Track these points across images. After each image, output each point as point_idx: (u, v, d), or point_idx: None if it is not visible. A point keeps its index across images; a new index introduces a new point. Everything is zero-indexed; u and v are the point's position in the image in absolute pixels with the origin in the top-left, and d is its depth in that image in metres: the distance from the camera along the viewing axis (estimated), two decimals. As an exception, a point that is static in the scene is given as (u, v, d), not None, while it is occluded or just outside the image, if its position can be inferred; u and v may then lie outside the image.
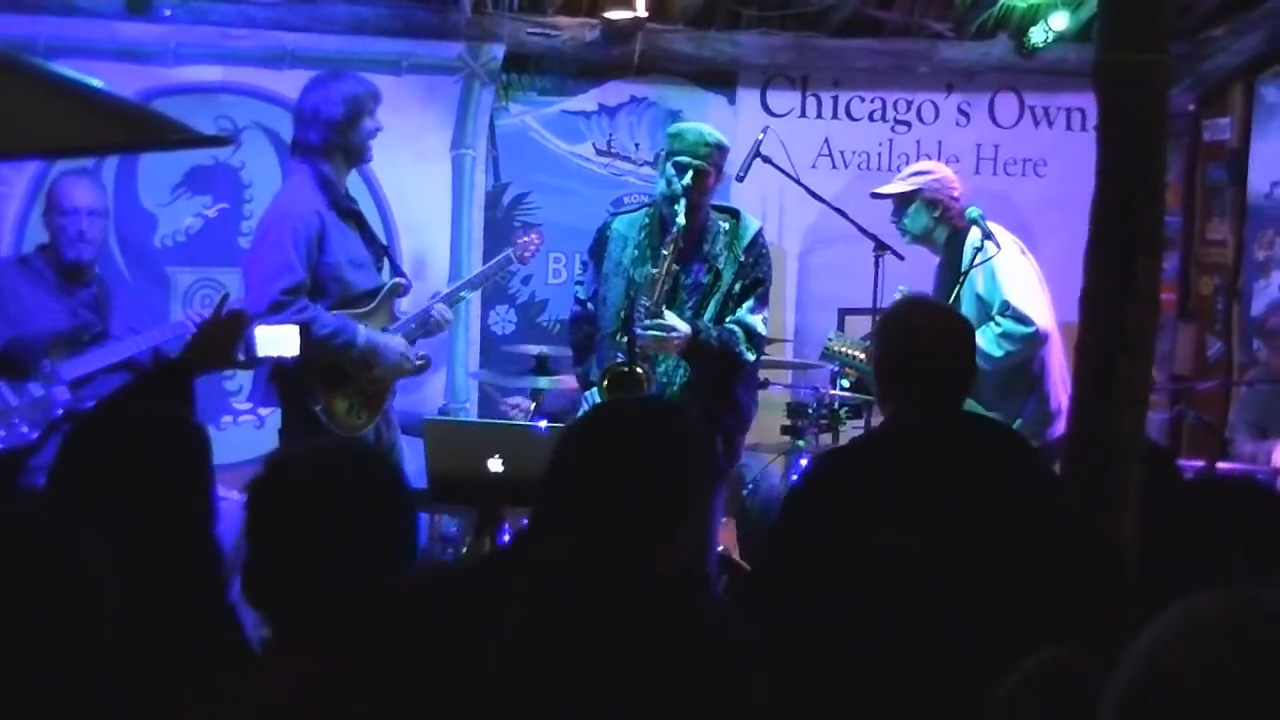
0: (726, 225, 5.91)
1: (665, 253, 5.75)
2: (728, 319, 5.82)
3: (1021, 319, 6.02)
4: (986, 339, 5.89)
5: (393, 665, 2.40)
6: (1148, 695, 1.38)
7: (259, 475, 2.59)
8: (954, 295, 5.99)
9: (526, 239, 6.62)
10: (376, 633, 2.41)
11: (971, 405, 5.72)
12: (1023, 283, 6.13)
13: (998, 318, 6.05)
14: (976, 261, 6.04)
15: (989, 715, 2.05)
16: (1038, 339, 6.05)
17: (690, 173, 5.75)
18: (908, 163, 7.87)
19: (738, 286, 5.86)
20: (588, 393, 6.00)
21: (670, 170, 5.81)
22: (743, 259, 5.87)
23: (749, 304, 5.86)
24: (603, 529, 2.83)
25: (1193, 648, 1.38)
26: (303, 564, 2.49)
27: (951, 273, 6.20)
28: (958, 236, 6.28)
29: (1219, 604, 1.40)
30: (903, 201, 6.41)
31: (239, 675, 2.44)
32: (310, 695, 2.27)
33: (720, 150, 5.89)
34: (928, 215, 6.35)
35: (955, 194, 6.40)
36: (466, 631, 2.79)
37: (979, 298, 6.11)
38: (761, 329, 5.91)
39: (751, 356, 5.88)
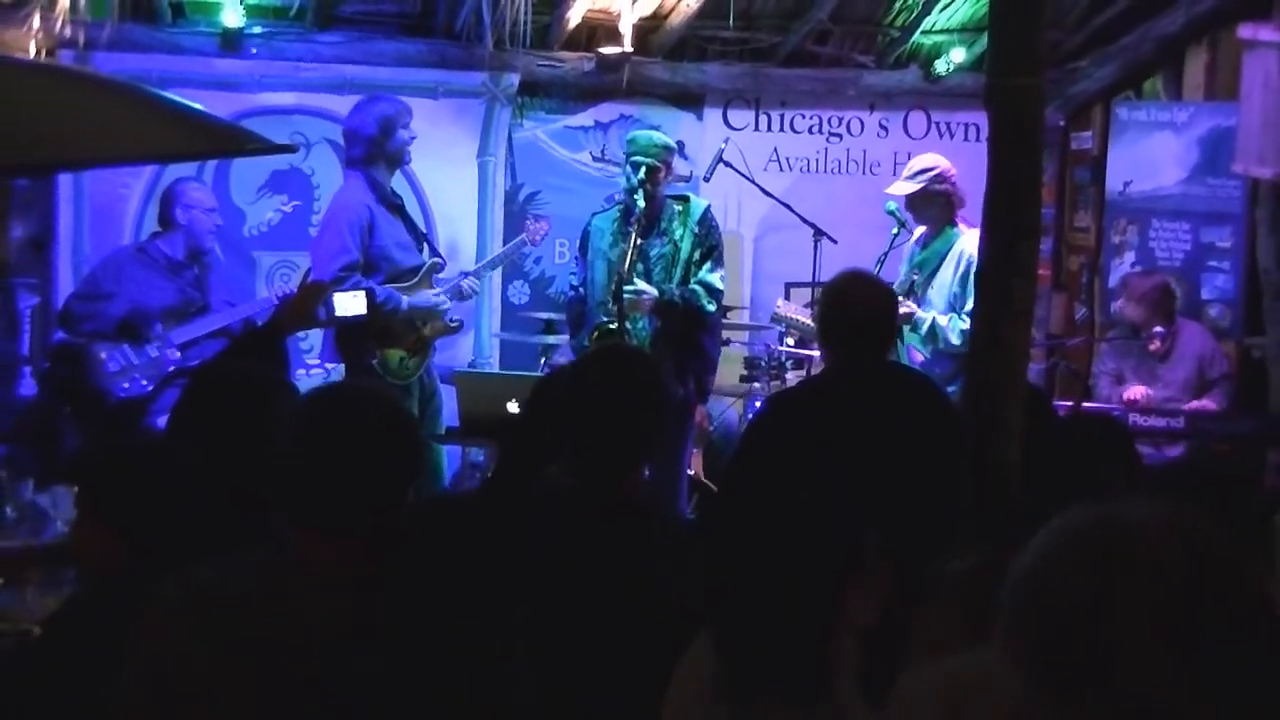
0: (679, 207, 6.02)
1: (630, 230, 5.81)
2: (692, 280, 5.87)
3: None
4: (952, 329, 5.56)
5: (420, 567, 2.32)
6: (1033, 586, 1.40)
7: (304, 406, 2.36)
8: (907, 274, 5.79)
9: (536, 225, 6.63)
10: (404, 540, 2.28)
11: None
12: None
13: (965, 315, 5.56)
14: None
15: (926, 599, 2.08)
16: None
17: (644, 169, 5.81)
18: (841, 167, 7.89)
19: (696, 254, 5.93)
20: None
21: (629, 169, 5.88)
22: (697, 231, 5.94)
23: (707, 266, 5.93)
24: (589, 459, 2.79)
25: (1068, 548, 1.39)
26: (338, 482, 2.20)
27: (931, 255, 5.85)
28: (948, 226, 5.86)
29: (1089, 515, 1.41)
30: (913, 198, 5.87)
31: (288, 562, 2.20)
32: (360, 588, 2.17)
33: (668, 149, 5.97)
34: (934, 207, 5.86)
35: (954, 180, 5.87)
36: (477, 543, 2.77)
37: (953, 289, 5.73)
38: (719, 284, 5.96)
39: (712, 308, 5.93)
